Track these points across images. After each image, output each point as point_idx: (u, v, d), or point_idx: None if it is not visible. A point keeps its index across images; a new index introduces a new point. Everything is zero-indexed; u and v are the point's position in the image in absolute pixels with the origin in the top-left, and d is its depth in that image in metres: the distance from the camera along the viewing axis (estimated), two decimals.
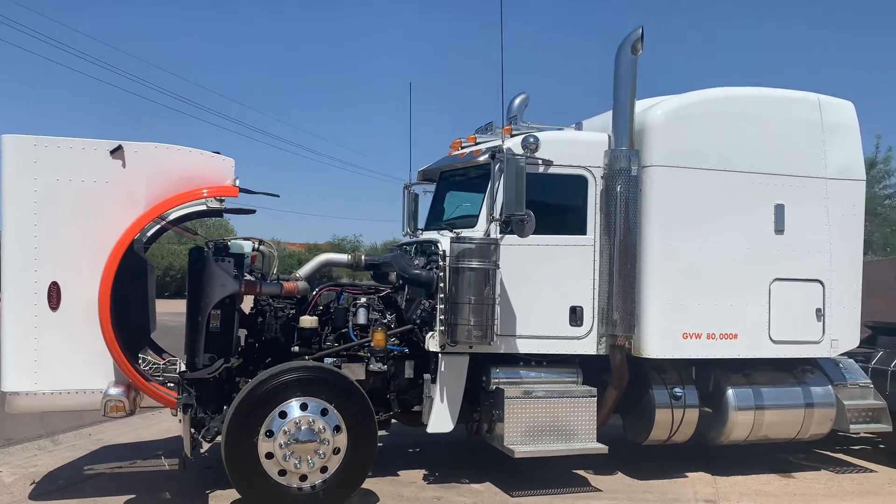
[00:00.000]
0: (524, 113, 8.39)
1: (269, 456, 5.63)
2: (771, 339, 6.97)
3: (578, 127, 7.64)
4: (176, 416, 6.02)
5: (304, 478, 5.70)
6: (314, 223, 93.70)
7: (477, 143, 7.38)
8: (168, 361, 6.44)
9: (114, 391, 5.64)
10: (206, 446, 7.04)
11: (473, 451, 7.61)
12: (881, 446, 8.36)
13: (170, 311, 11.11)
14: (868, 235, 28.46)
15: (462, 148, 7.55)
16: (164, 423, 9.06)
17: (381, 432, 7.53)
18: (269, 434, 5.63)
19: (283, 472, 5.67)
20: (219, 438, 5.87)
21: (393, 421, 7.31)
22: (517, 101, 8.40)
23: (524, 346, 6.62)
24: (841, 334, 7.24)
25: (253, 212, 7.12)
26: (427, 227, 7.88)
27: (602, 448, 6.47)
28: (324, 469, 5.75)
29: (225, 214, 7.16)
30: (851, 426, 7.35)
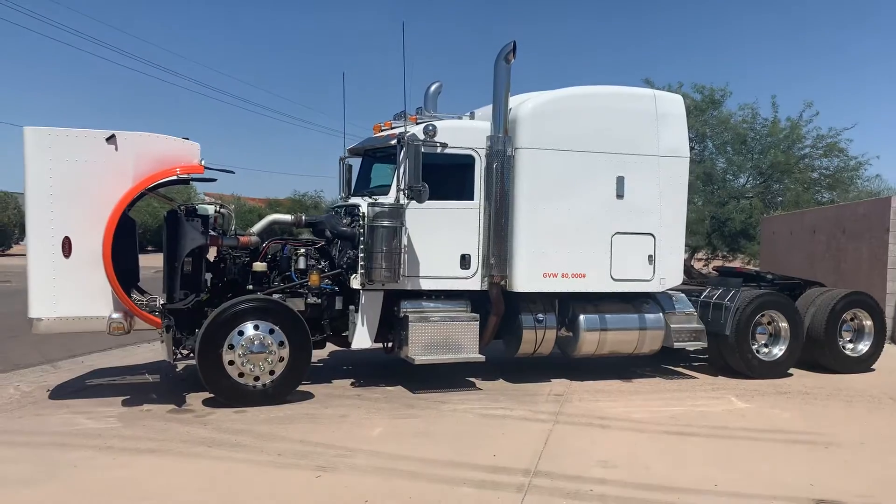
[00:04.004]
0: (438, 98, 10.34)
1: (231, 363, 7.59)
2: (612, 277, 9.14)
3: (472, 116, 9.54)
4: (160, 336, 7.98)
5: (257, 378, 7.68)
6: (276, 179, 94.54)
7: (393, 128, 9.16)
8: (149, 298, 8.40)
9: (116, 315, 7.53)
10: (181, 366, 9.08)
11: (391, 367, 9.75)
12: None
13: None
14: (781, 193, 31.11)
15: (382, 131, 9.42)
16: (143, 354, 10.99)
17: (322, 354, 9.63)
18: (231, 347, 7.58)
19: (241, 375, 7.63)
20: (191, 361, 7.86)
21: (331, 347, 9.38)
22: (432, 88, 10.33)
23: (426, 284, 8.67)
24: (667, 274, 9.44)
25: (214, 180, 9.01)
26: (355, 193, 9.74)
27: (481, 357, 8.59)
28: (272, 372, 7.74)
29: (191, 182, 8.96)
30: (675, 343, 9.60)
